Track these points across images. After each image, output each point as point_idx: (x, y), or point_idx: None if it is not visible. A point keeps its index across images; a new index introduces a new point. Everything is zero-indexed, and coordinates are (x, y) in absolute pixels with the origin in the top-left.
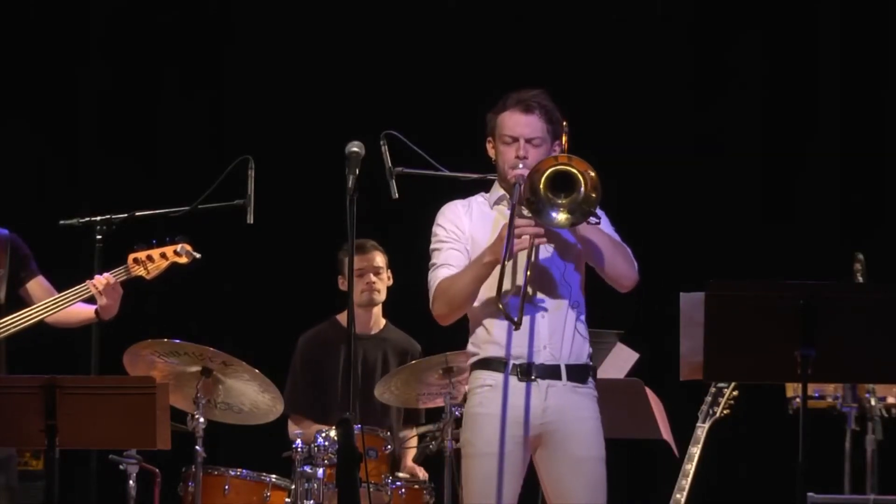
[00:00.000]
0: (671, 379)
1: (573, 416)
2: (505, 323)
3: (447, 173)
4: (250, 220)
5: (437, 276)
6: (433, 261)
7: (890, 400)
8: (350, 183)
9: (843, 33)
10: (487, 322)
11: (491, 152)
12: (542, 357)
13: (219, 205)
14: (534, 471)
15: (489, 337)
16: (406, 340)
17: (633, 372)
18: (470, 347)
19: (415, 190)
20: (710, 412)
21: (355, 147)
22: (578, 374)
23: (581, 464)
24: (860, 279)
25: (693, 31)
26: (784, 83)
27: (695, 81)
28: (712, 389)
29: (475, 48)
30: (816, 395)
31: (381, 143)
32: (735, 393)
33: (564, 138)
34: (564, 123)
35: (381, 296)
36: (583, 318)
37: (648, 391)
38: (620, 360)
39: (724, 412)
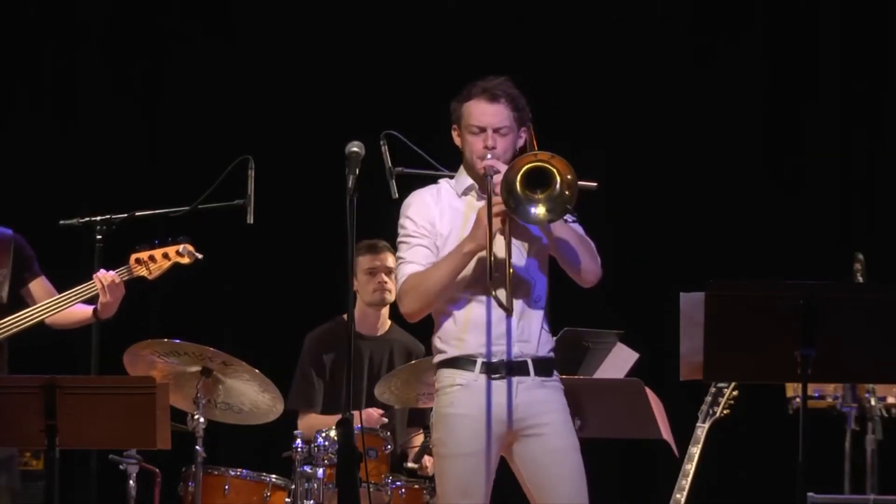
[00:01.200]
0: (671, 379)
1: (544, 409)
2: (473, 316)
3: (447, 173)
4: (250, 220)
5: (403, 273)
6: (399, 254)
7: (890, 400)
8: (350, 183)
9: (843, 33)
10: (458, 314)
11: (457, 140)
12: (510, 354)
13: (219, 205)
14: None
15: (456, 331)
16: (411, 342)
17: (633, 372)
18: (436, 343)
19: (414, 190)
20: (710, 412)
21: (355, 147)
22: (544, 368)
23: (561, 454)
24: (860, 279)
25: (693, 31)
26: (784, 83)
27: (695, 81)
28: (712, 389)
29: (475, 48)
30: (816, 395)
31: (381, 143)
32: (735, 393)
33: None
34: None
35: (392, 296)
36: (545, 311)
37: (648, 391)
38: (620, 360)
39: (724, 412)
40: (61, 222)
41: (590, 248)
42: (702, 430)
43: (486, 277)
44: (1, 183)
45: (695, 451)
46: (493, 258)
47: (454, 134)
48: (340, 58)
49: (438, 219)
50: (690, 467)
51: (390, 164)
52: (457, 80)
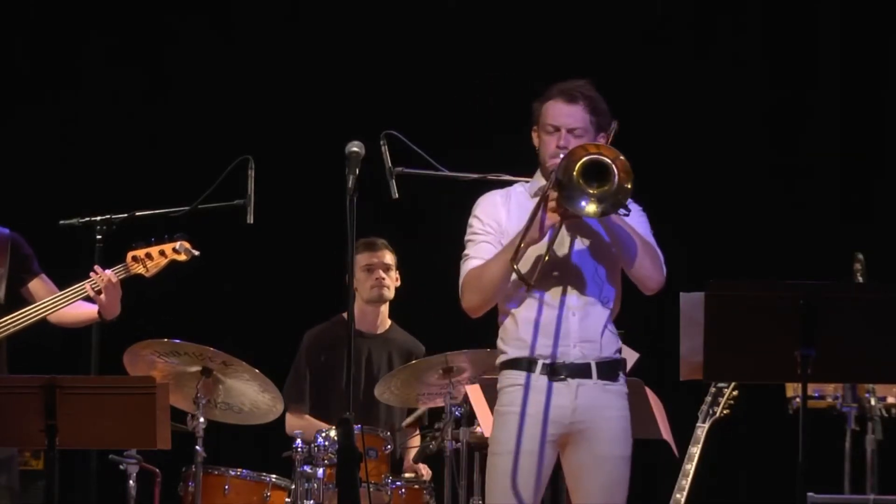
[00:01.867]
0: (671, 379)
1: (601, 415)
2: (533, 315)
3: (447, 173)
4: (250, 220)
5: (466, 268)
6: (465, 252)
7: (890, 400)
8: (350, 183)
9: (843, 33)
10: (517, 313)
11: (535, 141)
12: (573, 356)
13: (219, 205)
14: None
15: (517, 332)
16: (411, 341)
17: (633, 372)
18: (499, 344)
19: (414, 190)
20: (710, 412)
21: (355, 147)
22: (609, 370)
23: (602, 462)
24: (860, 279)
25: (693, 31)
26: (784, 82)
27: (695, 82)
28: (712, 389)
29: (475, 48)
30: (816, 395)
31: (381, 143)
32: (735, 393)
33: (612, 132)
34: (615, 124)
35: (390, 293)
36: (611, 312)
37: (648, 391)
38: None
39: (724, 412)
40: (61, 222)
41: (651, 253)
42: (702, 430)
43: (513, 255)
44: (1, 183)
45: (695, 451)
46: (551, 253)
47: (533, 134)
48: (340, 58)
49: (506, 218)
50: (690, 467)
51: (390, 164)
52: (457, 79)
